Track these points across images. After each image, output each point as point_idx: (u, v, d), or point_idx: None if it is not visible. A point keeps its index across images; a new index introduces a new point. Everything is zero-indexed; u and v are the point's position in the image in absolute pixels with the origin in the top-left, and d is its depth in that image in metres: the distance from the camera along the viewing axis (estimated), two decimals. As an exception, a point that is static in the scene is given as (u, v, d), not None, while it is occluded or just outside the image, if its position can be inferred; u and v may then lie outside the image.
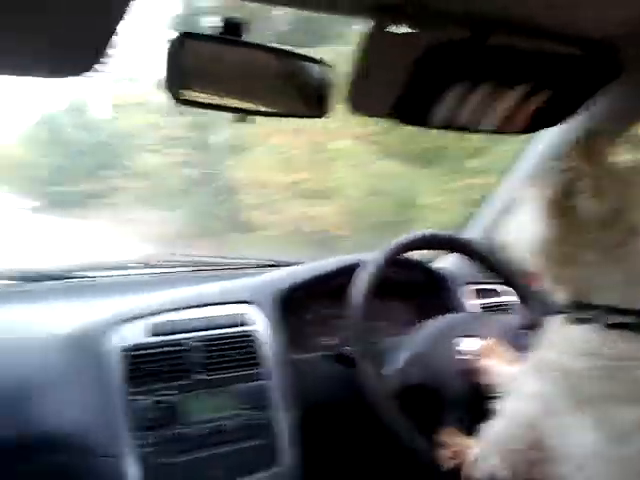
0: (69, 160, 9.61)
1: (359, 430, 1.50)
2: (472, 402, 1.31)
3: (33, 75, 0.92)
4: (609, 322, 0.93)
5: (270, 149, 8.32)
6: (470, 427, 1.21)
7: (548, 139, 1.67)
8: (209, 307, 1.41)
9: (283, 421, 1.34)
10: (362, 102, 1.18)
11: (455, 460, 1.22)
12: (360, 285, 1.40)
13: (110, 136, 10.08)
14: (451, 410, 1.34)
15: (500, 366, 1.31)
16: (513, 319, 1.65)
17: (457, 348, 1.43)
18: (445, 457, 1.24)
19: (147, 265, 1.83)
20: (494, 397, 1.14)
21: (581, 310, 0.98)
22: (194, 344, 1.31)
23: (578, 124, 1.44)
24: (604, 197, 0.90)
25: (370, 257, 1.46)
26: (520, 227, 1.06)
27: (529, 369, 1.04)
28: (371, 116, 1.34)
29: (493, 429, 1.10)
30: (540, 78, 1.16)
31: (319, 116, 1.16)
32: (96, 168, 9.37)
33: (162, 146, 9.69)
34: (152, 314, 1.32)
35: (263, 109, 1.15)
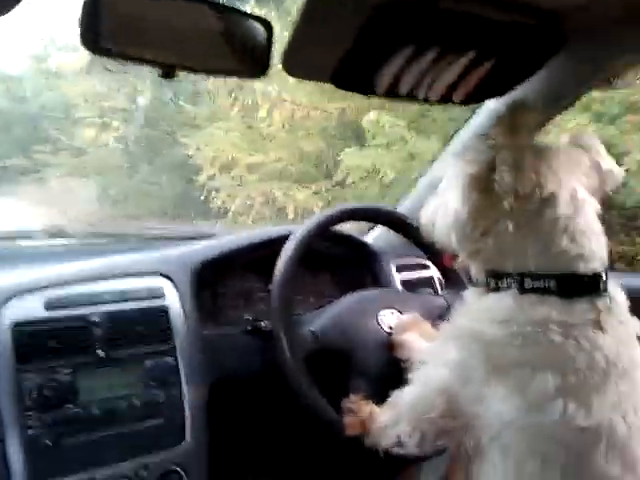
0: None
1: (271, 406, 1.46)
2: (386, 374, 1.28)
3: None
4: (525, 287, 0.93)
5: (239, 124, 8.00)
6: (381, 398, 1.19)
7: (484, 115, 1.65)
8: (117, 279, 1.33)
9: (192, 398, 1.28)
10: (301, 63, 1.12)
11: (361, 428, 1.19)
12: (284, 257, 1.34)
13: (43, 108, 9.37)
14: (363, 379, 1.31)
15: (419, 341, 1.30)
16: (436, 297, 1.63)
17: (378, 320, 1.40)
18: (351, 425, 1.21)
19: (53, 235, 1.70)
20: (409, 370, 1.12)
21: (497, 279, 0.98)
22: (97, 319, 1.22)
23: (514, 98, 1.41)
24: (522, 170, 0.90)
25: (296, 229, 1.40)
26: (440, 203, 1.05)
27: (445, 337, 1.04)
28: (309, 79, 1.28)
29: (405, 396, 1.09)
30: (486, 46, 1.12)
31: (255, 76, 1.11)
32: (26, 142, 8.71)
33: (103, 119, 9.26)
34: (51, 286, 1.23)
35: (194, 65, 1.07)
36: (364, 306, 1.45)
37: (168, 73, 1.02)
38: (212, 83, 8.09)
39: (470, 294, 1.06)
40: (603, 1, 1.09)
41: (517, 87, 1.31)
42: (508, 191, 0.90)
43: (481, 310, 0.98)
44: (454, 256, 1.12)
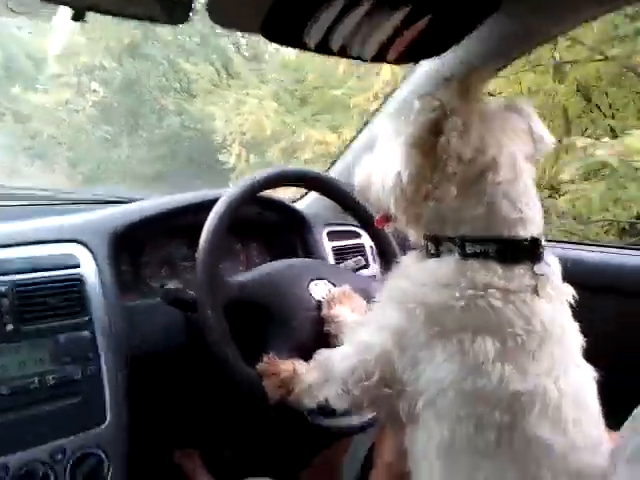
0: None
1: (194, 379, 1.40)
2: (312, 342, 1.23)
3: None
4: (467, 251, 0.93)
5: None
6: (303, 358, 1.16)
7: (420, 75, 1.62)
8: (28, 246, 1.22)
9: (111, 375, 1.19)
10: (228, 12, 1.03)
11: (283, 389, 1.15)
12: (210, 223, 1.26)
13: None
14: (285, 342, 1.25)
15: (351, 315, 1.27)
16: (370, 278, 1.60)
17: (309, 288, 1.35)
18: (271, 387, 1.16)
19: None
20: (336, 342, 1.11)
21: (437, 243, 0.97)
22: (5, 289, 1.12)
23: (451, 59, 1.38)
24: (469, 135, 0.89)
25: (223, 193, 1.32)
26: (377, 164, 1.03)
27: (385, 300, 1.01)
28: (237, 30, 1.20)
29: (339, 359, 1.05)
30: (421, 3, 1.07)
31: (176, 22, 1.00)
32: None
33: (80, 77, 7.88)
34: None
35: (109, 7, 0.95)
36: (296, 272, 1.39)
37: (79, 15, 0.92)
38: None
39: (408, 258, 1.04)
40: None
41: (451, 47, 1.29)
42: (454, 156, 0.88)
43: (422, 274, 0.96)
44: (387, 219, 1.10)
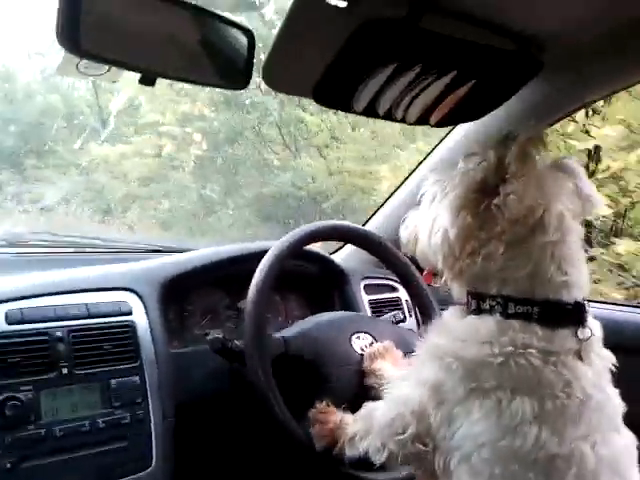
0: None
1: (238, 426, 1.41)
2: (355, 395, 1.26)
3: None
4: (508, 311, 0.93)
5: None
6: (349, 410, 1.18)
7: (460, 134, 1.67)
8: (83, 293, 1.27)
9: (158, 420, 1.23)
10: (282, 77, 1.11)
11: (330, 437, 1.16)
12: (259, 275, 1.30)
13: (42, 113, 7.08)
14: (330, 395, 1.26)
15: (392, 370, 1.28)
16: (410, 331, 1.63)
17: (351, 341, 1.38)
18: (320, 434, 1.18)
19: (13, 244, 1.63)
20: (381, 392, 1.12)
21: (480, 300, 0.98)
22: (61, 334, 1.17)
23: (490, 120, 1.43)
24: (525, 197, 0.90)
25: (270, 247, 1.36)
26: (423, 222, 1.04)
27: (423, 355, 1.02)
28: (290, 93, 1.27)
29: (378, 412, 1.07)
30: (465, 68, 1.14)
31: (236, 88, 1.08)
32: (17, 154, 6.60)
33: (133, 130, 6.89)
34: (11, 299, 1.17)
35: (175, 73, 1.04)
36: (338, 326, 1.42)
37: (148, 80, 0.99)
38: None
39: (449, 314, 1.05)
40: (579, 30, 1.13)
41: (492, 110, 1.34)
42: (511, 217, 0.90)
43: (462, 330, 0.97)
44: (434, 274, 1.11)
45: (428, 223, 1.01)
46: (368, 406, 1.13)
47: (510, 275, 0.94)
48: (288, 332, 1.36)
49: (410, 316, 1.79)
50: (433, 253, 1.00)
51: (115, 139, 6.63)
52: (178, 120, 6.50)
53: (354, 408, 1.17)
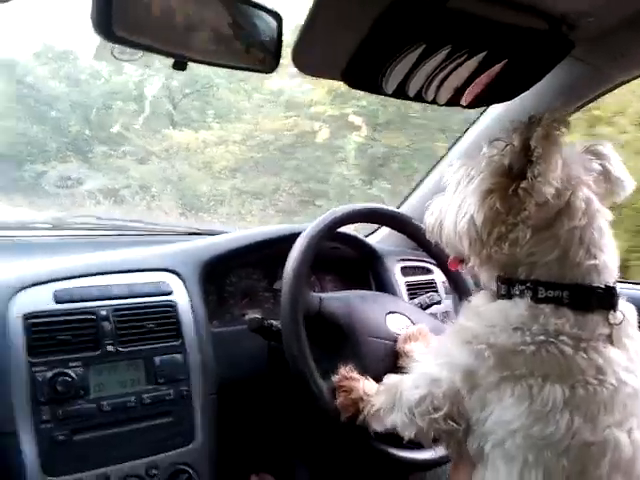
0: (40, 127, 6.10)
1: (276, 404, 1.45)
2: (382, 369, 1.27)
3: None
4: (539, 296, 0.92)
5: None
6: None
7: (490, 117, 1.66)
8: (126, 274, 1.32)
9: (201, 396, 1.27)
10: (311, 60, 1.12)
11: (354, 408, 1.18)
12: (294, 256, 1.32)
13: (109, 95, 6.40)
14: (357, 363, 1.28)
15: (422, 351, 1.27)
16: (443, 306, 1.64)
17: (386, 318, 1.40)
18: (344, 406, 1.19)
19: (59, 227, 1.68)
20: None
21: (509, 285, 0.97)
22: (106, 313, 1.21)
23: (521, 102, 1.42)
24: (553, 179, 0.89)
25: (305, 228, 1.39)
26: (448, 208, 1.04)
27: (454, 338, 1.02)
28: (319, 76, 1.28)
29: (404, 386, 1.08)
30: (496, 48, 1.13)
31: (265, 71, 1.09)
32: (82, 141, 6.11)
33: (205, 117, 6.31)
34: (60, 279, 1.22)
35: (205, 58, 1.05)
36: (374, 300, 1.44)
37: (180, 64, 1.01)
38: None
39: (478, 298, 1.05)
40: (611, 8, 1.11)
41: (524, 91, 1.32)
42: (534, 200, 0.89)
43: (492, 315, 0.97)
44: (460, 260, 1.11)
45: (454, 209, 1.01)
46: (391, 378, 1.15)
47: (539, 260, 0.93)
48: (325, 294, 1.38)
49: (447, 298, 1.79)
50: (459, 239, 0.99)
51: (186, 124, 6.14)
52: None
53: (378, 381, 1.19)
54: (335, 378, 1.23)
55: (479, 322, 0.98)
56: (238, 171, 5.76)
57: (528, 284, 0.94)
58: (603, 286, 0.92)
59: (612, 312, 0.92)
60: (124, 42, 0.94)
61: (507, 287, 0.97)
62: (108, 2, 0.85)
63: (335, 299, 1.38)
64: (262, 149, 5.78)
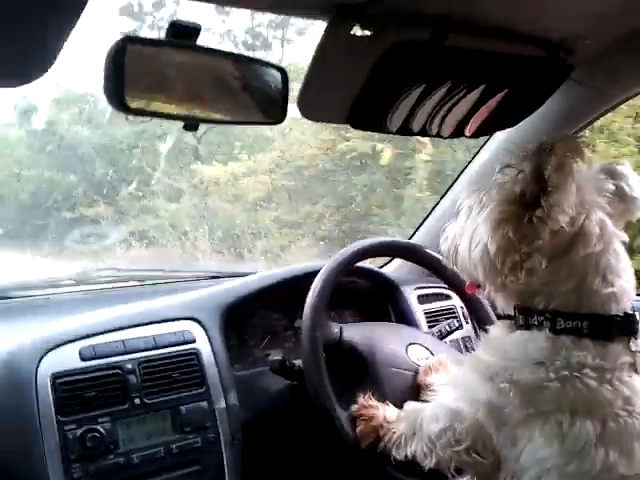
0: (64, 174, 6.01)
1: (300, 445, 1.46)
2: (402, 401, 1.27)
3: None
4: (557, 327, 0.92)
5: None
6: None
7: (497, 142, 1.68)
8: (148, 326, 1.35)
9: (228, 441, 1.29)
10: (316, 107, 1.15)
11: (374, 435, 1.18)
12: (313, 295, 1.34)
13: (133, 135, 6.21)
14: (377, 393, 1.29)
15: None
16: (464, 332, 1.65)
17: (407, 350, 1.40)
18: (365, 433, 1.20)
19: (81, 282, 1.73)
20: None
21: (526, 315, 0.97)
22: (131, 366, 1.24)
23: (526, 127, 1.44)
24: (568, 207, 0.89)
25: (323, 266, 1.41)
26: (461, 235, 1.04)
27: (474, 372, 1.01)
28: (323, 121, 1.31)
29: (424, 415, 1.08)
30: (495, 79, 1.15)
31: (272, 123, 1.12)
32: (107, 183, 5.80)
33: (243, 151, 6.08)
34: (84, 337, 1.25)
35: (216, 117, 1.09)
36: (395, 331, 1.47)
37: (191, 126, 1.05)
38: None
39: (496, 329, 1.04)
40: (606, 30, 1.13)
41: (527, 116, 1.34)
42: (554, 228, 0.89)
43: (511, 348, 0.96)
44: (477, 285, 1.10)
45: (467, 236, 1.01)
46: (412, 405, 1.15)
47: (555, 289, 0.93)
48: (346, 325, 1.40)
49: (467, 323, 1.80)
50: (474, 266, 1.00)
51: (211, 158, 5.96)
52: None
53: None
54: (354, 407, 1.24)
55: (499, 356, 0.97)
56: (272, 201, 5.62)
57: (546, 314, 0.93)
58: (622, 314, 0.92)
59: (633, 339, 0.92)
60: (138, 113, 0.97)
61: (525, 317, 0.97)
62: (120, 81, 0.88)
63: (355, 328, 1.41)
64: (295, 176, 5.70)
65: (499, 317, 1.11)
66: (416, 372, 1.36)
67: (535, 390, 0.91)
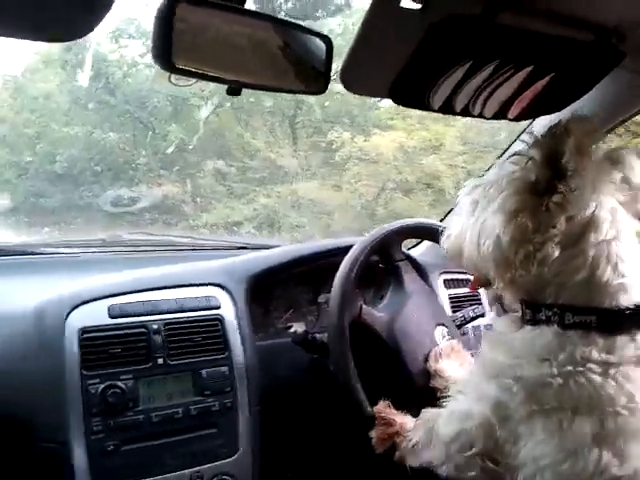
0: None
1: (318, 417, 1.48)
2: (420, 390, 1.30)
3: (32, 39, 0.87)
4: (566, 322, 0.89)
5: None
6: (413, 403, 1.22)
7: (538, 131, 1.64)
8: (176, 289, 1.36)
9: (245, 408, 1.31)
10: (359, 79, 1.14)
11: (389, 441, 1.19)
12: (343, 272, 1.34)
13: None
14: (404, 387, 1.32)
15: (458, 371, 1.29)
16: (487, 319, 1.65)
17: (434, 333, 1.41)
18: (380, 440, 1.21)
19: (111, 244, 1.75)
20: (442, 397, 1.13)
21: (534, 310, 0.94)
22: (156, 327, 1.26)
23: (569, 113, 1.41)
24: (587, 192, 0.87)
25: (351, 243, 1.41)
26: (466, 231, 1.01)
27: (482, 372, 1.00)
28: (367, 95, 1.30)
29: (439, 422, 1.07)
30: (544, 62, 1.12)
31: (316, 93, 1.11)
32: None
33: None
34: (113, 295, 1.27)
35: (259, 82, 1.08)
36: (426, 313, 1.46)
37: (234, 90, 1.05)
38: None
39: (503, 324, 1.01)
40: None
41: (572, 103, 1.31)
42: (574, 214, 0.87)
43: (518, 345, 0.94)
44: (481, 282, 1.07)
45: (475, 231, 0.97)
46: (428, 413, 1.14)
47: (566, 280, 0.90)
48: (373, 306, 1.42)
49: (490, 310, 1.78)
50: (483, 262, 0.96)
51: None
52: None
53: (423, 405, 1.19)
54: (375, 408, 1.25)
55: (504, 353, 0.95)
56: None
57: (555, 309, 0.91)
58: (632, 306, 0.89)
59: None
60: (184, 73, 0.97)
61: (532, 312, 0.94)
62: (168, 38, 0.88)
63: (384, 312, 1.41)
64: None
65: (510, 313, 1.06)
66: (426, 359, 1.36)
67: (539, 386, 0.89)
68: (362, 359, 1.31)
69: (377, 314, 1.39)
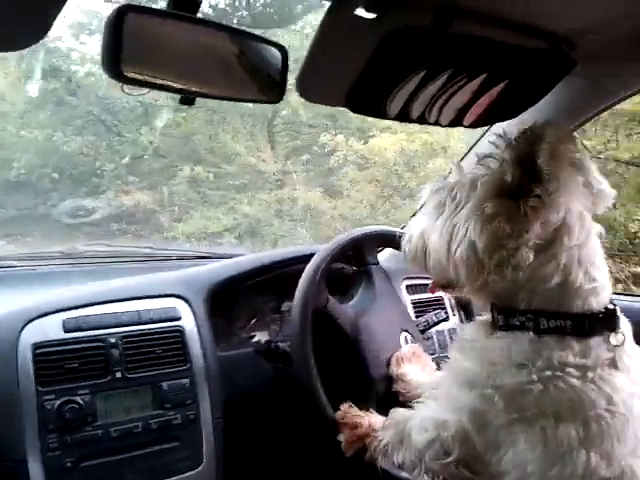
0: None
1: (281, 427, 1.47)
2: (382, 393, 1.30)
3: None
4: (541, 327, 0.90)
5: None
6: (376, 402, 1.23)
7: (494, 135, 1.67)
8: (134, 301, 1.34)
9: (208, 420, 1.29)
10: (315, 88, 1.14)
11: (359, 443, 1.17)
12: (306, 280, 1.33)
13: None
14: (366, 388, 1.31)
15: (421, 375, 1.29)
16: (450, 324, 1.67)
17: (400, 337, 1.41)
18: (349, 442, 1.19)
19: (68, 256, 1.72)
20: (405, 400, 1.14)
21: (507, 316, 0.94)
22: (114, 340, 1.24)
23: (528, 119, 1.43)
24: (562, 195, 0.87)
25: (313, 251, 1.41)
26: (430, 235, 1.00)
27: (454, 380, 0.99)
28: (322, 103, 1.30)
29: (410, 425, 1.06)
30: (497, 69, 1.14)
31: (271, 102, 1.11)
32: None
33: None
34: (69, 308, 1.24)
35: (213, 91, 1.07)
36: (392, 316, 1.47)
37: (188, 99, 1.04)
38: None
39: (473, 330, 1.00)
40: (610, 25, 1.12)
41: (527, 109, 1.33)
42: (550, 218, 0.87)
43: (493, 353, 0.93)
44: (442, 285, 1.06)
45: (444, 235, 0.95)
46: (398, 414, 1.13)
47: (539, 286, 0.90)
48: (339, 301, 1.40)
49: (453, 314, 1.80)
50: (453, 267, 0.94)
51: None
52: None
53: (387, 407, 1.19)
54: (338, 413, 1.23)
55: (479, 362, 0.94)
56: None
57: (529, 315, 0.91)
58: (603, 309, 0.91)
59: (613, 334, 0.90)
60: (134, 82, 0.95)
61: (505, 317, 0.94)
62: (118, 49, 0.87)
63: (349, 306, 1.41)
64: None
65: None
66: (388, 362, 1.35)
67: (518, 393, 0.89)
68: (324, 360, 1.30)
69: (343, 308, 1.39)
